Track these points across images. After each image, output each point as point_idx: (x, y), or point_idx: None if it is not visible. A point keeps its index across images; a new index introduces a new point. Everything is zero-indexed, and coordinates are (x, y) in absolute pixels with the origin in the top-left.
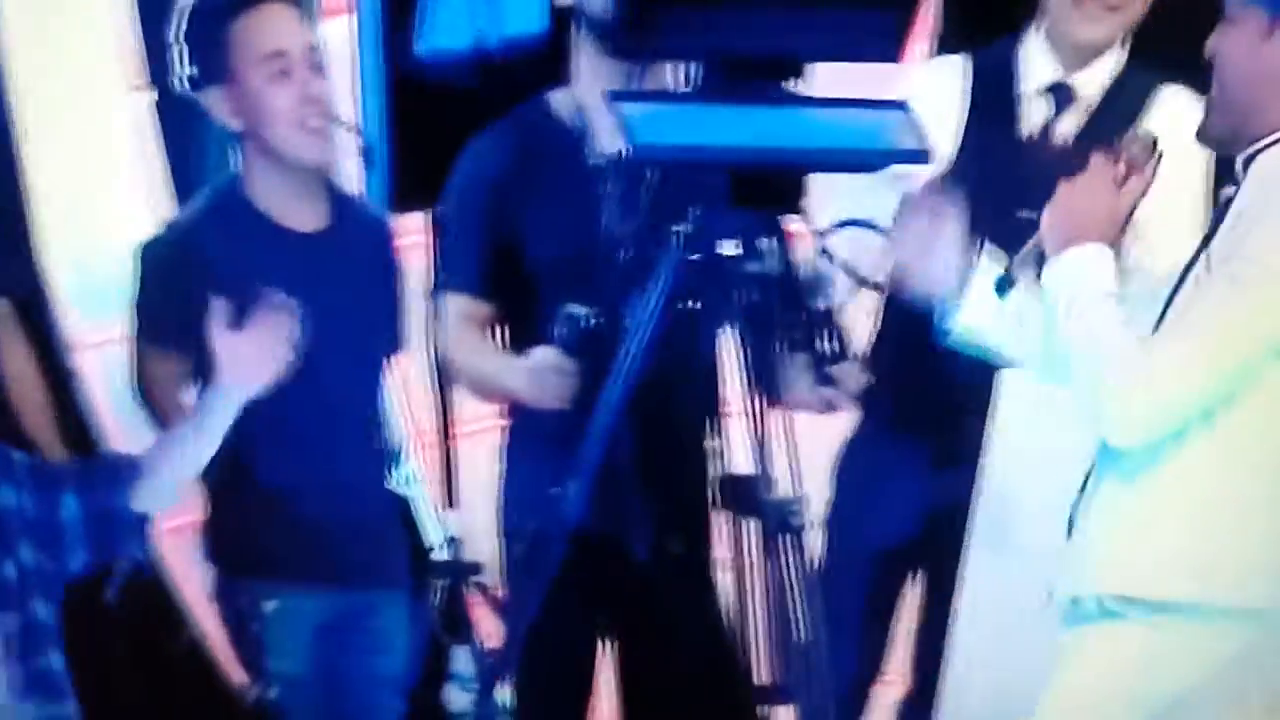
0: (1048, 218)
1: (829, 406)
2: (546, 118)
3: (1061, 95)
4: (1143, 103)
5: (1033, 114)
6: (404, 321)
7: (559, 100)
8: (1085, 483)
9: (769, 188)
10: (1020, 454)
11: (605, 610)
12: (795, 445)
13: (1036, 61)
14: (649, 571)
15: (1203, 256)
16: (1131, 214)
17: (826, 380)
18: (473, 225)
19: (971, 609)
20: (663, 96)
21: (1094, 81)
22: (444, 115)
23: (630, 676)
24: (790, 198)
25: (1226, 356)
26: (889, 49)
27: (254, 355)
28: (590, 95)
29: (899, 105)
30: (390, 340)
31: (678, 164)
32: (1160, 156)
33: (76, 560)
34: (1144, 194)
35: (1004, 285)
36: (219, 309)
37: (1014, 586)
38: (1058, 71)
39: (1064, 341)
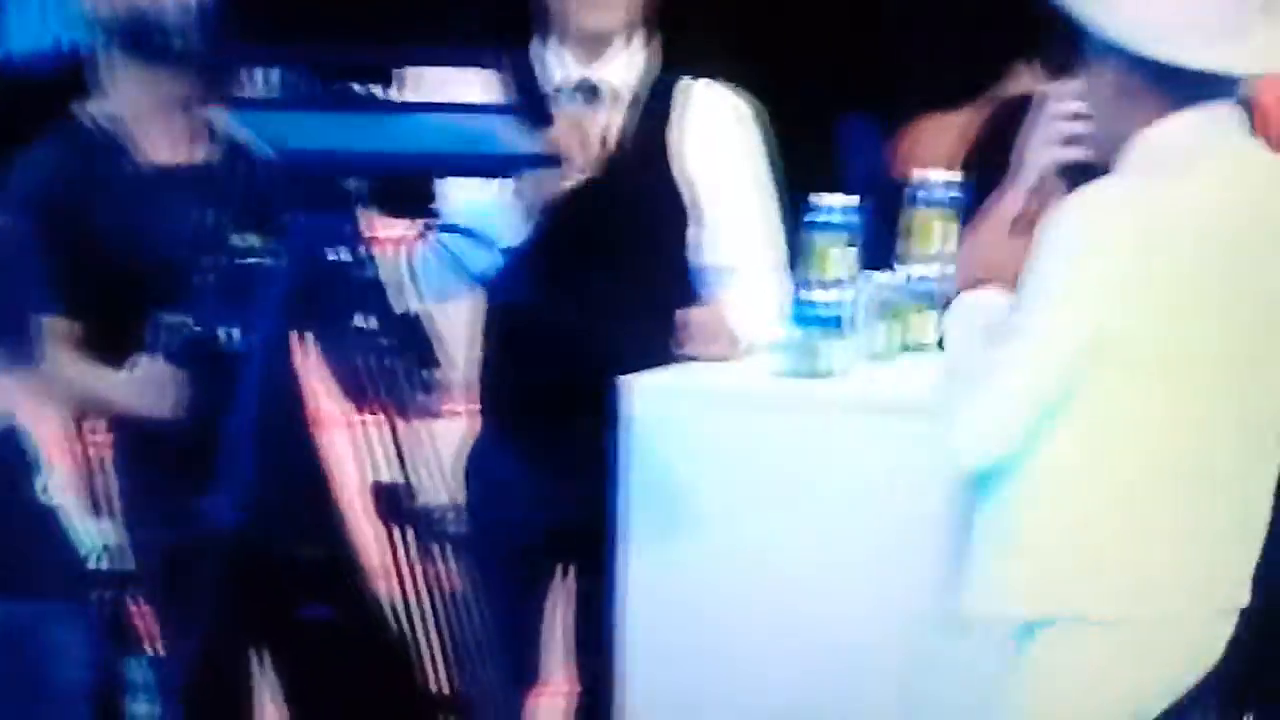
0: (962, 256)
1: (426, 413)
2: (82, 130)
3: (589, 91)
4: (676, 96)
5: None
6: (38, 332)
7: (94, 110)
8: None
9: (393, 192)
10: (669, 455)
11: (256, 619)
12: (438, 451)
13: (557, 60)
14: (293, 578)
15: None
16: None
17: (421, 386)
18: (29, 245)
19: (642, 612)
20: (274, 103)
21: (620, 75)
22: (42, 118)
23: (292, 686)
24: (413, 202)
25: (1038, 375)
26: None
27: None
28: (125, 105)
29: (500, 109)
30: (26, 352)
31: (319, 169)
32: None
33: None
34: None
35: None
36: None
37: (684, 588)
38: (579, 68)
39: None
